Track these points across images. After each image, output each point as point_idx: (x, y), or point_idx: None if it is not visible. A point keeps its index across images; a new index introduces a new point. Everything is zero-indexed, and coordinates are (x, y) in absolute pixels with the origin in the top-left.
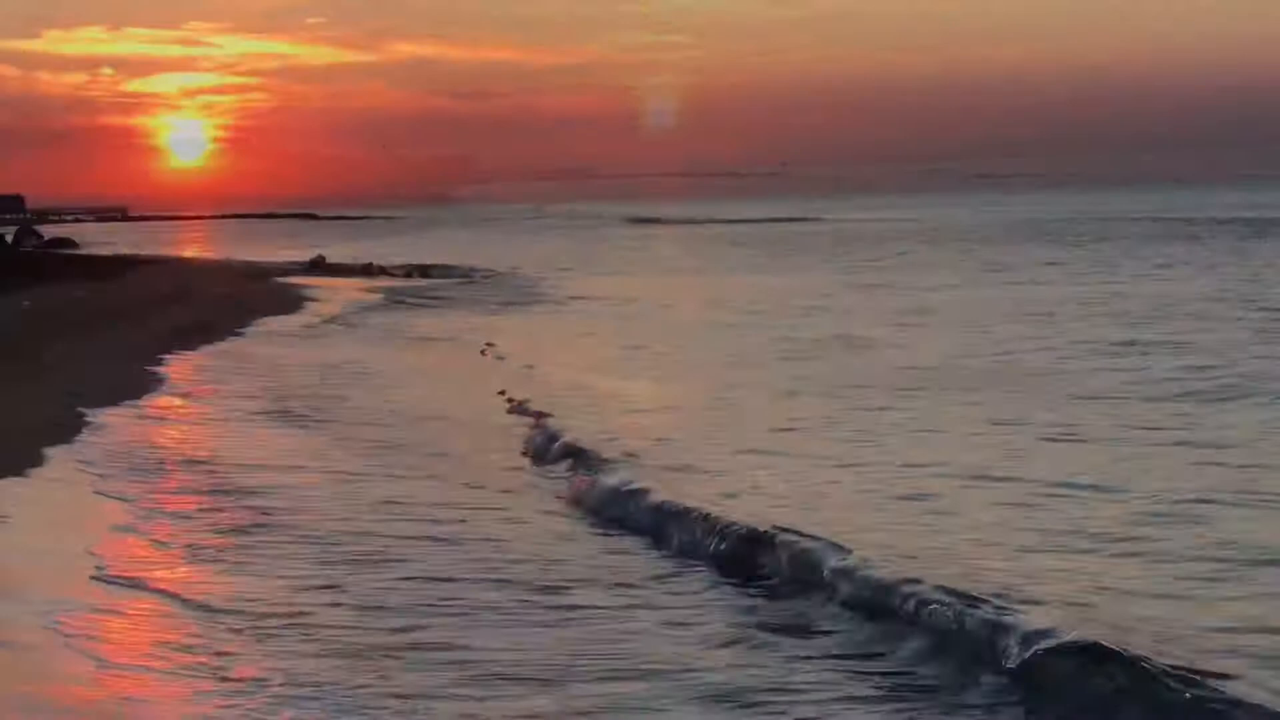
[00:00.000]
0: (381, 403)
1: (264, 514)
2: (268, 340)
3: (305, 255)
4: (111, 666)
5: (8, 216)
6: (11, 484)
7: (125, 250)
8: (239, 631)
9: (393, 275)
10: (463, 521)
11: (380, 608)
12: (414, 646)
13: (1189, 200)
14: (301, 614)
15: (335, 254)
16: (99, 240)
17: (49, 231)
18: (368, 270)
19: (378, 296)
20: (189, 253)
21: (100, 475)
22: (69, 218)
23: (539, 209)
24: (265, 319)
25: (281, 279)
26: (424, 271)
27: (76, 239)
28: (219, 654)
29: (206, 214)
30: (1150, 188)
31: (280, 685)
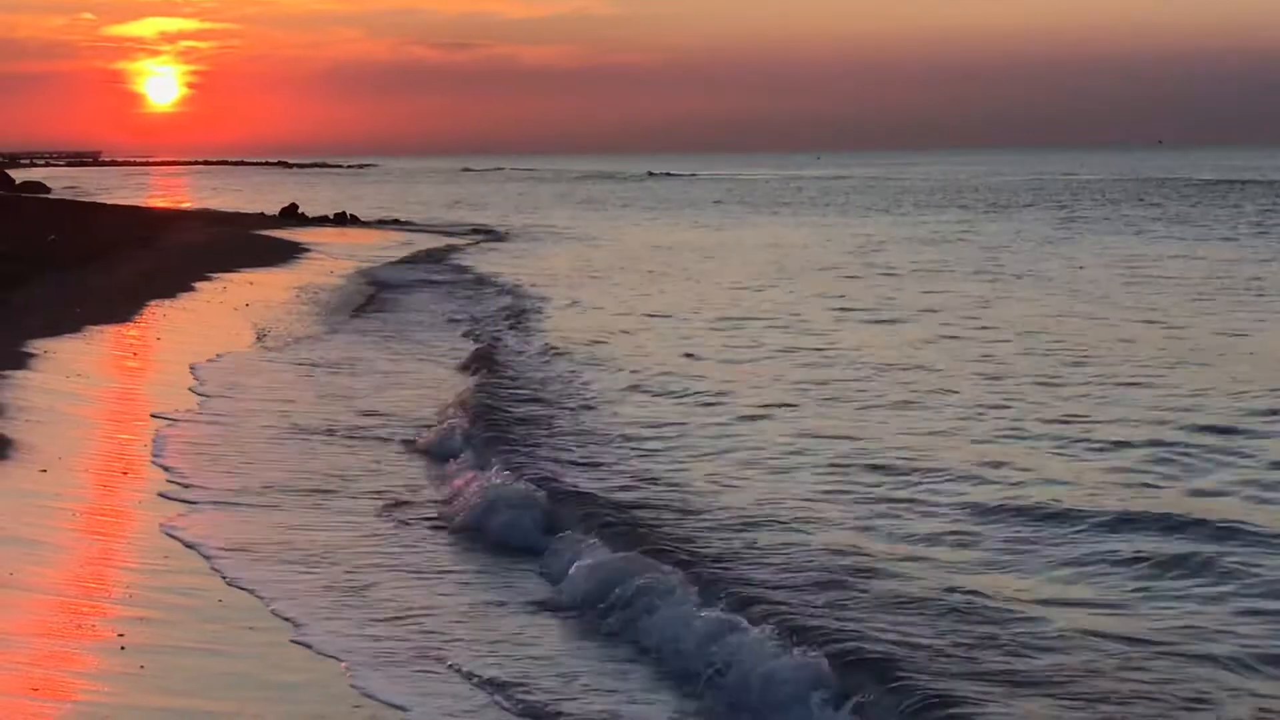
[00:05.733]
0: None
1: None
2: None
3: (277, 204)
4: None
5: None
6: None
7: (96, 196)
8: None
9: (366, 226)
10: None
11: None
12: None
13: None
14: None
15: (308, 203)
16: (68, 185)
17: (19, 176)
18: (341, 220)
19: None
20: (158, 200)
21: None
22: (40, 161)
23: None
24: (243, 270)
25: (259, 230)
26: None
27: (49, 183)
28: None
29: (180, 160)
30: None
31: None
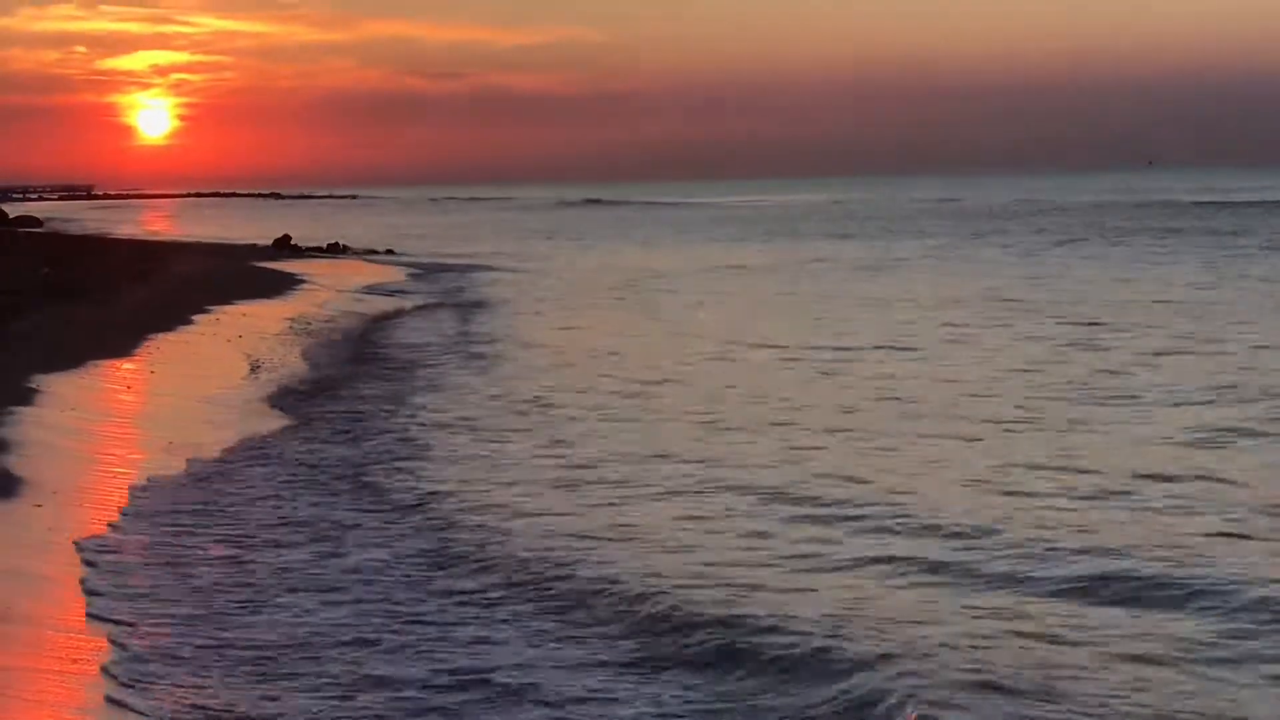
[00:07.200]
0: None
1: None
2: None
3: (270, 235)
4: None
5: None
6: None
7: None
8: None
9: (358, 255)
10: None
11: None
12: None
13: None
14: None
15: (300, 234)
16: (62, 219)
17: (13, 210)
18: (334, 250)
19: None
20: (153, 232)
21: None
22: (33, 196)
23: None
24: (239, 302)
25: (256, 262)
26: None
27: (42, 217)
28: None
29: (173, 193)
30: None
31: None
